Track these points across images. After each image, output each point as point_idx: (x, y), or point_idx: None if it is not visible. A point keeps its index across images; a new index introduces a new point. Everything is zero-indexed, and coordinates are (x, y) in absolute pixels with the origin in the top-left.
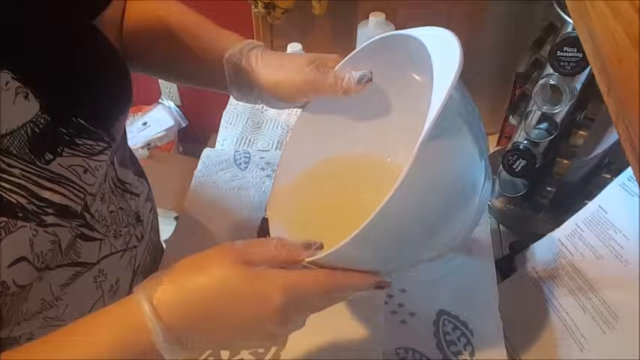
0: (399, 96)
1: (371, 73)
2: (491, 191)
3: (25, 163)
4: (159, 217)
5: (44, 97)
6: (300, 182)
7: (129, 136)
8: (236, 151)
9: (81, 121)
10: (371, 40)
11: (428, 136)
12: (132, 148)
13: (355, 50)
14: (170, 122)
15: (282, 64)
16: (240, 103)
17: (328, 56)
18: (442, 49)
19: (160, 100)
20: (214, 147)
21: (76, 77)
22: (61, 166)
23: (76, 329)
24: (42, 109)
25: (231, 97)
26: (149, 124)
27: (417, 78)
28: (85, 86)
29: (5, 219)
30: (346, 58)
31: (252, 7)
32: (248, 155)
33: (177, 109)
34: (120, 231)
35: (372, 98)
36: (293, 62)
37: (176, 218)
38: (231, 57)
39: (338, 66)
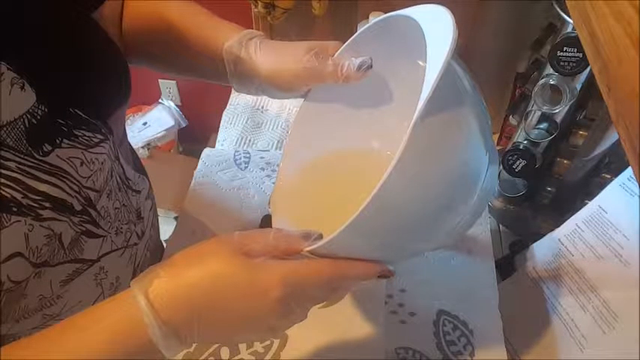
0: (400, 82)
1: (371, 59)
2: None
3: (22, 156)
4: (159, 217)
5: (40, 88)
6: (303, 176)
7: (129, 135)
8: (236, 151)
9: (78, 112)
10: (369, 24)
11: (420, 117)
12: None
13: (354, 36)
14: (170, 122)
15: (282, 52)
16: (240, 103)
17: (328, 43)
18: (437, 27)
19: (160, 100)
20: (214, 147)
21: (72, 68)
22: (59, 158)
23: (72, 325)
24: (38, 100)
25: (231, 96)
26: (149, 124)
27: (420, 63)
28: (82, 77)
29: None
30: (345, 45)
31: (252, 7)
32: (248, 155)
33: (177, 109)
34: (121, 228)
35: (374, 85)
36: (292, 50)
37: (176, 218)
38: (231, 47)
39: (337, 53)
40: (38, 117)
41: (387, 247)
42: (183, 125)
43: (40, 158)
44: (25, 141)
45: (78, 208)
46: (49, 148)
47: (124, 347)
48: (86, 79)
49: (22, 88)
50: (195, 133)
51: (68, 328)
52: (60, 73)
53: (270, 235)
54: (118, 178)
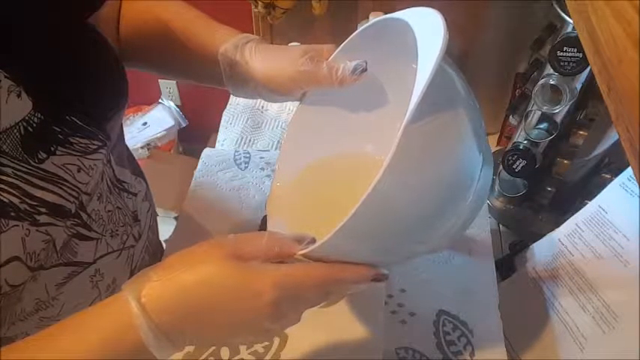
0: (395, 85)
1: (365, 62)
2: (491, 191)
3: (18, 162)
4: (159, 218)
5: (37, 96)
6: (298, 179)
7: (129, 136)
8: (236, 151)
9: (75, 119)
10: (364, 27)
11: (410, 120)
12: (132, 148)
13: (348, 39)
14: (170, 122)
15: (277, 56)
16: (240, 103)
17: (322, 47)
18: (428, 29)
19: (160, 100)
20: (214, 147)
21: (69, 75)
22: (54, 164)
23: (64, 327)
24: (35, 107)
25: (231, 96)
26: (149, 124)
27: (414, 65)
28: (79, 84)
29: None
30: (339, 48)
31: (252, 7)
32: (248, 155)
33: (177, 109)
34: (117, 230)
35: (369, 89)
36: (287, 54)
37: (176, 218)
38: (226, 51)
39: (332, 56)
40: (34, 125)
41: (381, 250)
42: (183, 125)
43: (36, 165)
44: (20, 148)
45: (72, 212)
46: (44, 155)
47: (116, 349)
48: (83, 86)
49: (19, 96)
50: (195, 133)
51: (61, 330)
52: (56, 81)
53: (263, 239)
54: (109, 181)
